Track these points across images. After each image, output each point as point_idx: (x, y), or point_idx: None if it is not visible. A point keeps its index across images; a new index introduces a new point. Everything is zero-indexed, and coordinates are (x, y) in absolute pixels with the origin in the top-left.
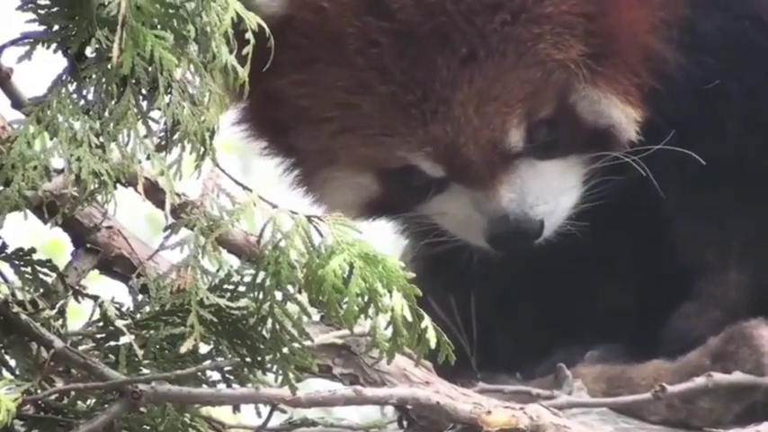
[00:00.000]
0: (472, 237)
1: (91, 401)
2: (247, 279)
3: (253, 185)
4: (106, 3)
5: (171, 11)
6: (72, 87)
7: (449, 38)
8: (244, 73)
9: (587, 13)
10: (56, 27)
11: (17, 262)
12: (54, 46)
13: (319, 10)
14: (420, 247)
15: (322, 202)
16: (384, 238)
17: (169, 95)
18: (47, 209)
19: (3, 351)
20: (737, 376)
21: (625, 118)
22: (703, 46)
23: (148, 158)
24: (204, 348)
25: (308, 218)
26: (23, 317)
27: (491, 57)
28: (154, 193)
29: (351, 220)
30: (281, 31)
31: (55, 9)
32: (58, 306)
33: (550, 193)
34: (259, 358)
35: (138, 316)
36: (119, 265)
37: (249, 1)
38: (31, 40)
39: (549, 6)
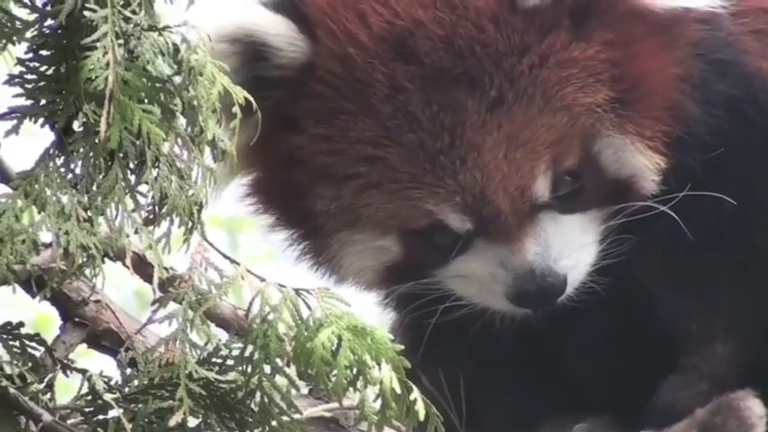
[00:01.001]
0: (492, 298)
1: None
2: (236, 352)
3: (240, 260)
4: (93, 77)
5: (158, 85)
6: (60, 161)
7: (477, 81)
8: (232, 147)
9: (613, 59)
10: (43, 101)
11: (5, 336)
12: (41, 120)
13: (346, 58)
14: (410, 319)
15: (336, 269)
16: (371, 311)
17: (157, 169)
18: (35, 283)
19: None
20: None
21: (649, 165)
22: (716, 102)
23: (136, 232)
24: (193, 422)
25: (297, 291)
26: (12, 390)
27: (519, 101)
28: (142, 267)
29: (344, 293)
30: (299, 83)
31: (42, 83)
32: (46, 380)
33: (571, 247)
34: None
35: (127, 390)
36: (107, 339)
37: (270, 49)
38: (19, 115)
39: (575, 51)
